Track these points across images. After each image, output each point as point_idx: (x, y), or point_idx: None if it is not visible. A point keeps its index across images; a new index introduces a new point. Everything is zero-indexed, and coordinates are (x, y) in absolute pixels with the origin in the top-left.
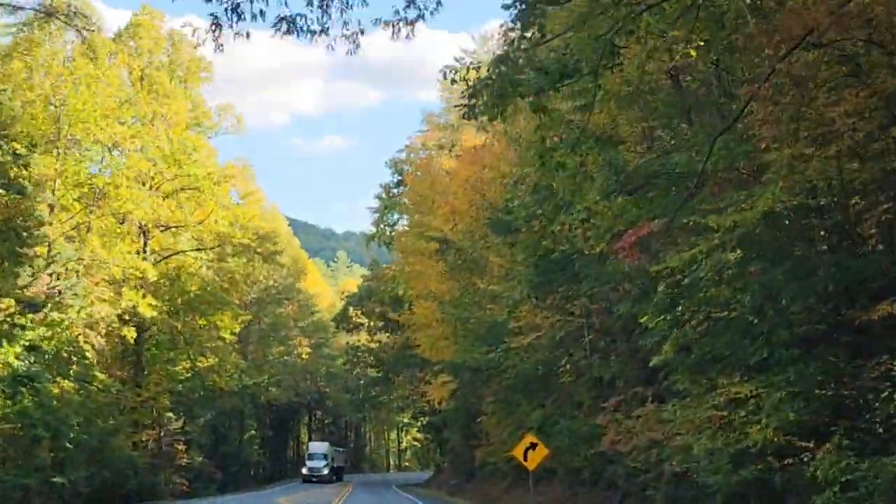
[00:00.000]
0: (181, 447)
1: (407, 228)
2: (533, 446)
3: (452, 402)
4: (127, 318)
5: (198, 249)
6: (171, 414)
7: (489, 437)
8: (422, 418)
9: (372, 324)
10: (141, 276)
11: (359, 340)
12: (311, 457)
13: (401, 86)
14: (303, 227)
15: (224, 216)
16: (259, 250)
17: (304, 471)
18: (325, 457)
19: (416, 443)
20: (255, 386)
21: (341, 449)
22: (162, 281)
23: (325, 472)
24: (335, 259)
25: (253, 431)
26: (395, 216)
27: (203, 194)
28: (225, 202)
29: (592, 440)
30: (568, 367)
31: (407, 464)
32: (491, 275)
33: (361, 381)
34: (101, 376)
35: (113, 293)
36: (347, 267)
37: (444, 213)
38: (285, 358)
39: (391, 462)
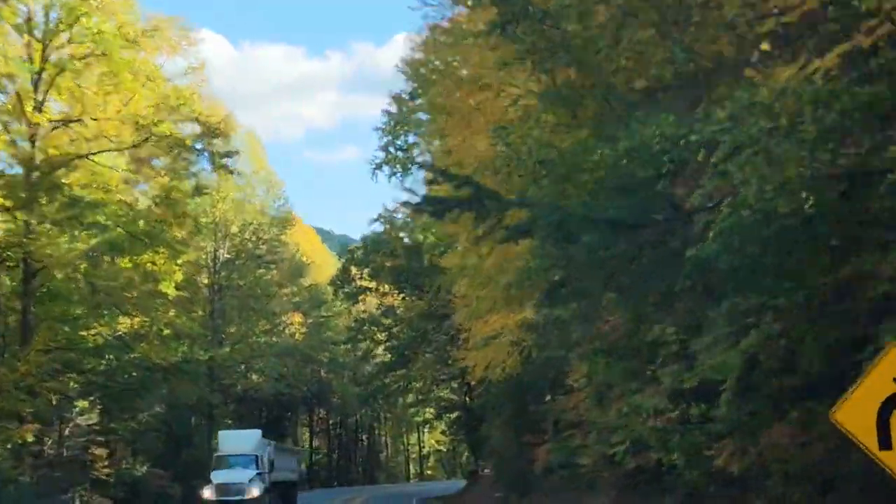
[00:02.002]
0: (100, 452)
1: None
2: None
3: (500, 373)
4: None
5: (110, 151)
6: (83, 403)
7: (564, 426)
8: (447, 416)
9: (382, 288)
10: None
11: (364, 311)
12: (222, 461)
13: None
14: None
15: (146, 96)
16: (202, 148)
17: (206, 493)
18: (255, 461)
19: (440, 447)
20: (221, 367)
21: (295, 448)
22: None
23: (256, 492)
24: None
25: None
26: (410, 139)
27: (119, 73)
28: (147, 71)
29: None
30: None
31: (430, 472)
32: None
33: (370, 368)
34: None
35: None
36: None
37: None
38: (274, 339)
39: (412, 470)
